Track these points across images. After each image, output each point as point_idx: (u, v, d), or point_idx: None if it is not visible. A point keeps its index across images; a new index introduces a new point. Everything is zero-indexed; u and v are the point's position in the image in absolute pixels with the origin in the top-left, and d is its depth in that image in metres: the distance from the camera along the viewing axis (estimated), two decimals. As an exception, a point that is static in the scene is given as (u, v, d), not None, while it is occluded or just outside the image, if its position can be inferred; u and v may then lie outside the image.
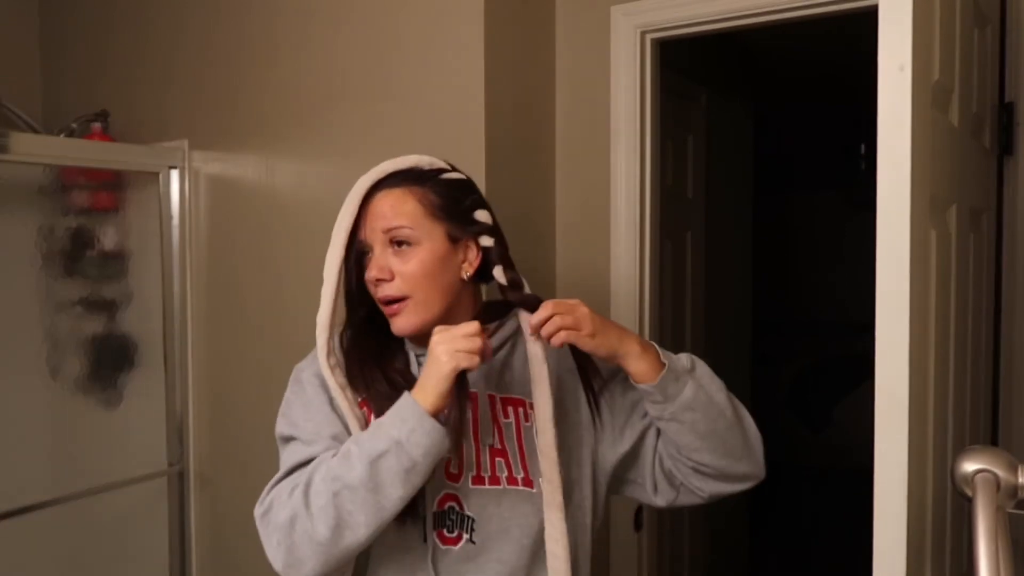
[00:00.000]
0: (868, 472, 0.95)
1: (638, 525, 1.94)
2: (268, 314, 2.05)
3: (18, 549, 2.24)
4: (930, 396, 1.06)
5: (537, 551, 1.12)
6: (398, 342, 1.17)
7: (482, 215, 1.13)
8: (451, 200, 1.11)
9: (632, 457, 1.20)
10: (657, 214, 1.97)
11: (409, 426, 0.99)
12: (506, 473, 1.12)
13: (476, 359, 1.01)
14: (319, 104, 1.93)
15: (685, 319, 2.78)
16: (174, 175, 2.17)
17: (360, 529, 1.00)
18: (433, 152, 1.28)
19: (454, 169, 1.18)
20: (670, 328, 2.59)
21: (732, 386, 1.17)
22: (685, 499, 1.19)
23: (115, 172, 2.25)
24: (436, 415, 1.00)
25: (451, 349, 1.00)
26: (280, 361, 2.06)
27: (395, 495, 0.99)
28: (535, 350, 1.10)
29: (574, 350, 1.11)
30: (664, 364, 1.08)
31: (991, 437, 1.68)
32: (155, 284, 2.20)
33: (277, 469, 1.12)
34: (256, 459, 2.09)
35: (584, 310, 1.07)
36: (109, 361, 2.32)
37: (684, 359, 1.13)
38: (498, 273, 1.12)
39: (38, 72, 2.49)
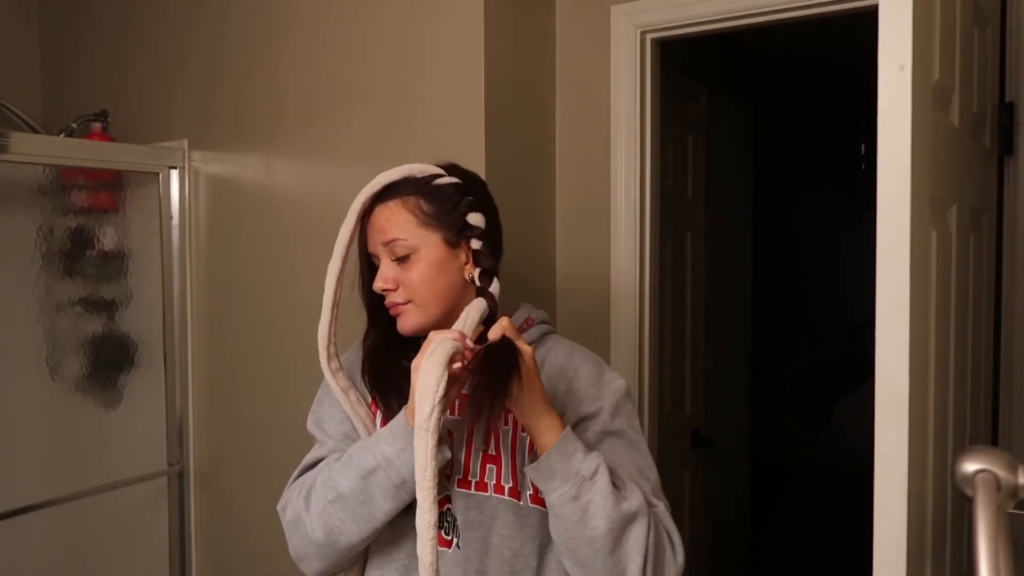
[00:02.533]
0: (868, 472, 0.95)
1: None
2: (268, 314, 2.05)
3: (18, 549, 2.24)
4: (930, 396, 1.06)
5: (521, 569, 1.11)
6: (415, 343, 1.17)
7: (475, 218, 1.14)
8: (443, 206, 1.13)
9: None
10: (657, 214, 1.97)
11: (400, 444, 1.03)
12: (494, 480, 1.13)
13: (456, 345, 0.99)
14: (319, 104, 1.93)
15: (685, 319, 2.77)
16: (174, 175, 2.18)
17: (352, 536, 1.07)
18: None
19: (454, 170, 1.18)
20: (670, 328, 2.59)
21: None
22: None
23: (115, 172, 2.25)
24: None
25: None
26: (280, 360, 2.07)
27: (385, 507, 1.06)
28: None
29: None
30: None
31: (991, 437, 1.68)
32: (155, 284, 2.21)
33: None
34: (256, 459, 2.09)
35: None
36: (109, 361, 2.32)
37: (584, 468, 1.01)
38: (475, 275, 1.14)
39: (38, 72, 2.49)
